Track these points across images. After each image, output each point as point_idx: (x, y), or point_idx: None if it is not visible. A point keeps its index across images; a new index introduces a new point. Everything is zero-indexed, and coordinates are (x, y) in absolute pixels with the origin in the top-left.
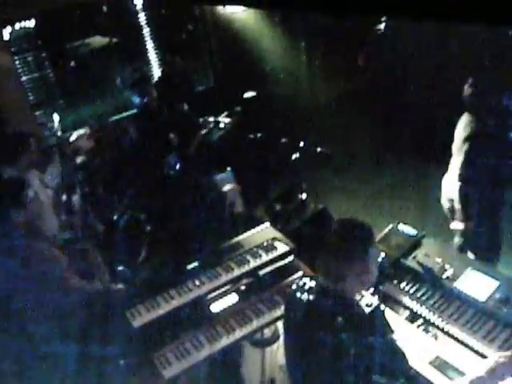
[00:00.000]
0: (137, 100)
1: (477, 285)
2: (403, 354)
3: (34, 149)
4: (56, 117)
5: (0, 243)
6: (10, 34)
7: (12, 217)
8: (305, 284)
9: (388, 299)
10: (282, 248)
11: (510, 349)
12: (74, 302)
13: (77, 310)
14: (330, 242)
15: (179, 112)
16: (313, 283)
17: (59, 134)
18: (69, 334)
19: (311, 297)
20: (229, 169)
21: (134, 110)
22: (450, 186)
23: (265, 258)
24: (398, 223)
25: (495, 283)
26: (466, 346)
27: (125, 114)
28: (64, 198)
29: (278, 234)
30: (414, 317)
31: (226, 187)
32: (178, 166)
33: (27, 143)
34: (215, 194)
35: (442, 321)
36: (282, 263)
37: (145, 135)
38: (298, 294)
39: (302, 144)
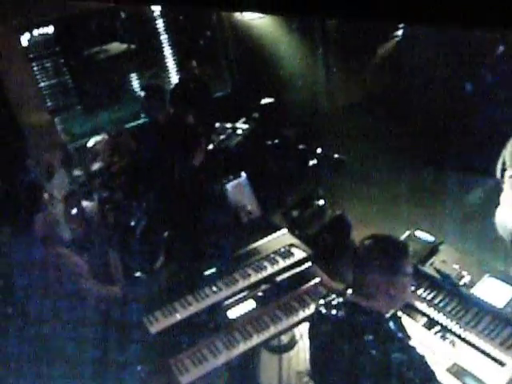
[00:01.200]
0: (149, 110)
1: (494, 291)
2: (426, 363)
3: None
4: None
5: (19, 248)
6: (29, 40)
7: (30, 222)
8: (333, 300)
9: (405, 306)
10: (299, 254)
11: None
12: (92, 308)
13: (95, 316)
14: (364, 258)
15: (185, 122)
16: (341, 299)
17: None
18: (86, 338)
19: (341, 313)
20: (244, 174)
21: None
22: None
23: (282, 264)
24: (416, 229)
25: None
26: (484, 352)
27: (142, 121)
28: (82, 203)
29: (296, 240)
30: (431, 323)
31: (244, 193)
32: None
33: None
34: (232, 200)
35: (460, 327)
36: (299, 269)
37: (160, 142)
38: (327, 310)
39: (319, 150)
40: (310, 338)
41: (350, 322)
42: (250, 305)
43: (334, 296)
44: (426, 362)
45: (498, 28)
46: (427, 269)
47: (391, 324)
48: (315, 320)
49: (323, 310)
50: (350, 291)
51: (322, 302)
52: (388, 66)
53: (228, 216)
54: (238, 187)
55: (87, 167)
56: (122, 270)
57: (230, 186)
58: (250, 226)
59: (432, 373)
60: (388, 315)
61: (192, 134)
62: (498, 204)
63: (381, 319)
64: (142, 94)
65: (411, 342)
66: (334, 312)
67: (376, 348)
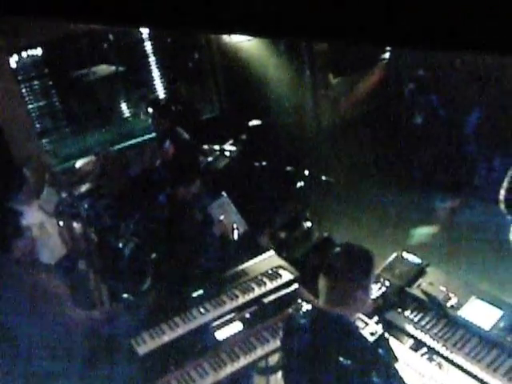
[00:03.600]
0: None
1: (481, 313)
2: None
3: (32, 179)
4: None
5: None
6: (17, 62)
7: (8, 247)
8: (302, 308)
9: (392, 327)
10: (286, 276)
11: None
12: (78, 333)
13: (81, 340)
14: (333, 266)
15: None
16: (310, 307)
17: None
18: (74, 360)
19: (309, 321)
20: (224, 194)
21: (139, 139)
22: None
23: (269, 285)
24: (403, 251)
25: (499, 312)
26: (470, 374)
27: (130, 142)
28: (68, 225)
29: (283, 262)
30: (418, 345)
31: (227, 211)
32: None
33: (23, 177)
34: (217, 220)
35: (447, 349)
36: (286, 291)
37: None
38: (296, 319)
39: (306, 172)
40: (281, 347)
41: (317, 330)
42: (238, 326)
43: (302, 305)
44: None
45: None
46: (414, 291)
47: (357, 329)
48: (285, 330)
49: (293, 319)
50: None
51: (291, 311)
52: (375, 88)
53: (216, 238)
54: (220, 207)
55: (75, 189)
56: (105, 293)
57: (212, 206)
58: (238, 247)
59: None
60: (362, 326)
61: (192, 160)
62: (487, 226)
63: (347, 324)
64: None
65: (391, 358)
66: (302, 320)
67: (344, 353)
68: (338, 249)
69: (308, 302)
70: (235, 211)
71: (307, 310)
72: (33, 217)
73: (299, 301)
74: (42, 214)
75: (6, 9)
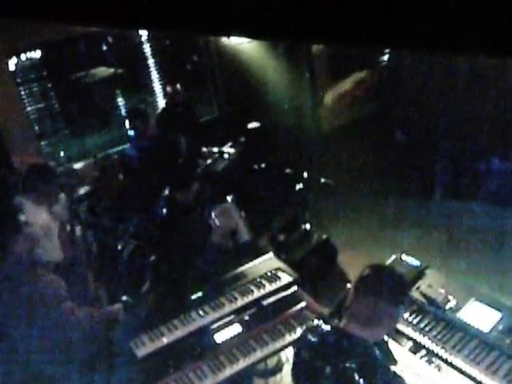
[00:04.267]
0: (132, 132)
1: (480, 316)
2: None
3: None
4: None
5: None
6: (16, 64)
7: (5, 244)
8: (319, 326)
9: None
10: (285, 278)
11: None
12: (77, 334)
13: (80, 340)
14: (367, 288)
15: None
16: (328, 326)
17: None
18: (72, 363)
19: (327, 339)
20: (230, 199)
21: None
22: None
23: (268, 288)
24: (402, 254)
25: (498, 314)
26: (469, 377)
27: (129, 145)
28: (67, 226)
29: (282, 264)
30: (417, 348)
31: (230, 217)
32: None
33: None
34: (218, 224)
35: (445, 352)
36: (285, 293)
37: (144, 166)
38: (313, 336)
39: (305, 174)
40: (294, 363)
41: (336, 349)
42: (237, 329)
43: (320, 322)
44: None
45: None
46: (413, 293)
47: (377, 352)
48: (300, 346)
49: (309, 336)
50: (341, 319)
51: (307, 327)
52: (374, 91)
53: (214, 240)
54: (224, 212)
55: (74, 191)
56: (104, 294)
57: (216, 210)
58: (237, 250)
59: None
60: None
61: (187, 166)
62: (486, 228)
63: (368, 347)
64: (127, 119)
65: (395, 369)
66: (320, 338)
67: (361, 376)
68: (369, 268)
69: (324, 320)
70: (238, 216)
71: (326, 330)
72: (36, 217)
73: (299, 307)
74: (46, 214)
75: (4, 11)
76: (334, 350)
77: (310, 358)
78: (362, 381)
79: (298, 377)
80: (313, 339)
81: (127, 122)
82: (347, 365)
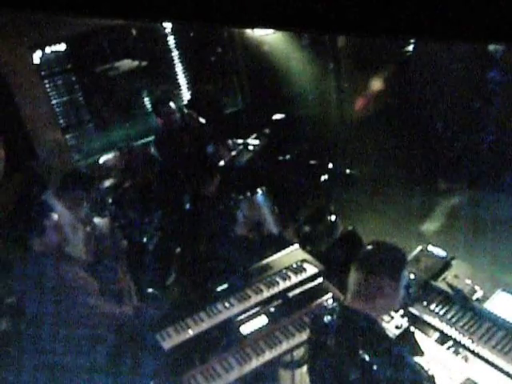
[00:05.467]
0: (159, 121)
1: (507, 306)
2: (429, 378)
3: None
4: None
5: (29, 266)
6: (40, 57)
7: (36, 241)
8: (329, 306)
9: (418, 321)
10: (311, 270)
11: None
12: (105, 326)
13: (107, 333)
14: (364, 261)
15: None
16: (337, 305)
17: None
18: (99, 355)
19: (336, 319)
20: (260, 191)
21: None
22: None
23: (294, 279)
24: (428, 245)
25: None
26: (497, 367)
27: (154, 137)
28: (94, 220)
29: (307, 256)
30: (443, 338)
31: (255, 209)
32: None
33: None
34: (244, 216)
35: (473, 342)
36: (311, 285)
37: (171, 157)
38: (323, 316)
39: (330, 165)
40: (307, 344)
41: (343, 326)
42: (263, 320)
43: (329, 303)
44: (424, 371)
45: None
46: (439, 284)
47: (383, 328)
48: (312, 326)
49: (319, 316)
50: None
51: (317, 309)
52: (399, 80)
53: (240, 232)
54: (253, 204)
55: (99, 184)
56: (133, 287)
57: (241, 202)
58: (262, 241)
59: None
60: (387, 320)
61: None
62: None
63: (374, 323)
64: (154, 108)
65: (422, 360)
66: (328, 318)
67: (371, 352)
68: (369, 245)
69: (334, 299)
70: (267, 209)
71: (334, 308)
72: (64, 214)
73: (325, 298)
74: (74, 213)
75: (28, 5)
76: (344, 328)
77: (320, 339)
78: (375, 363)
79: (314, 357)
80: (322, 319)
81: (154, 112)
82: (354, 343)
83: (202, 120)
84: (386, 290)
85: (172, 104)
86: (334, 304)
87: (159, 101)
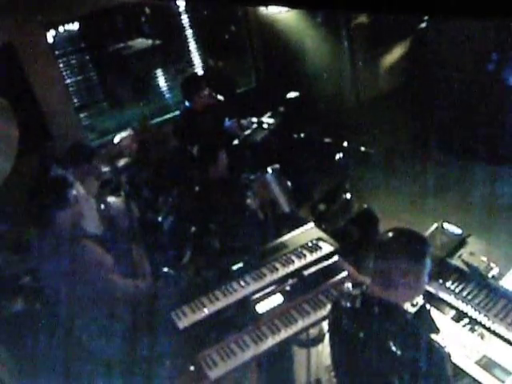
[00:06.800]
0: (188, 98)
1: None
2: (443, 358)
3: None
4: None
5: (46, 242)
6: (54, 37)
7: (56, 216)
8: (351, 292)
9: (433, 298)
10: (326, 248)
11: None
12: (120, 302)
13: (123, 310)
14: (386, 251)
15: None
16: (358, 291)
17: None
18: (115, 333)
19: (357, 304)
20: (270, 170)
21: (176, 113)
22: None
23: (309, 258)
24: (443, 222)
25: None
26: None
27: (167, 116)
28: (108, 199)
29: (323, 234)
30: (459, 316)
31: (270, 188)
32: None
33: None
34: (259, 195)
35: (488, 320)
36: (326, 263)
37: (191, 137)
38: (345, 302)
39: (345, 144)
40: (329, 330)
41: (365, 313)
42: (278, 299)
43: (350, 288)
44: (443, 357)
45: None
46: (455, 261)
47: (409, 316)
48: (333, 312)
49: (340, 302)
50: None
51: (339, 295)
52: (413, 57)
53: (255, 211)
54: (263, 183)
55: (113, 163)
56: (147, 265)
57: (256, 181)
58: (277, 220)
59: (448, 370)
60: (405, 307)
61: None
62: None
63: (397, 310)
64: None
65: (433, 330)
66: (350, 304)
67: (393, 337)
68: (390, 232)
69: (355, 286)
70: (279, 187)
71: (356, 295)
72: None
73: (340, 277)
74: (86, 189)
75: None
76: (366, 315)
77: (342, 326)
78: (399, 349)
79: (334, 344)
80: (343, 305)
81: (184, 95)
82: (377, 330)
83: (221, 97)
84: (410, 278)
85: (207, 88)
86: (356, 291)
87: (193, 84)
